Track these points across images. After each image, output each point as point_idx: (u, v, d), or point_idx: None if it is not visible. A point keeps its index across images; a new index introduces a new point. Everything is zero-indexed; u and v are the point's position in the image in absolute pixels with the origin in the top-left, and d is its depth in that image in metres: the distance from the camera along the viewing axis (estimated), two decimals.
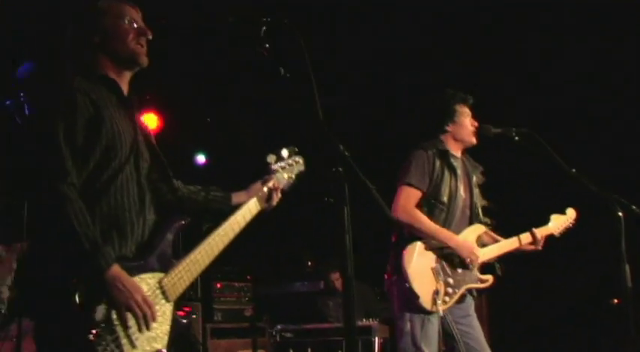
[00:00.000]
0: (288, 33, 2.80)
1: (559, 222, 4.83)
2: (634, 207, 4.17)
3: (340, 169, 2.61)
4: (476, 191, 4.66)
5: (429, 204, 4.41)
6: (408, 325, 4.21)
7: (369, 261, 3.81)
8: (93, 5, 2.82)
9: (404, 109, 7.56)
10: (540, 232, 4.69)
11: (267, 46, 2.80)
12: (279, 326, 7.04)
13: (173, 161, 2.97)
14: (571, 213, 4.92)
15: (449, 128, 4.60)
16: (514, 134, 4.47)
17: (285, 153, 3.34)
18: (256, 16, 2.78)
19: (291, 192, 3.25)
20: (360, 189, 2.68)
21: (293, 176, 3.34)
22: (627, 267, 4.00)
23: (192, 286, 7.98)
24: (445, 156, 4.51)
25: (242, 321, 8.09)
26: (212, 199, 3.08)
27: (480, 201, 4.67)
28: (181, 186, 3.07)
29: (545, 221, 4.81)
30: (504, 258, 4.72)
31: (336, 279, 7.70)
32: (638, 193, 5.90)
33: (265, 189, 3.18)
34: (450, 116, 4.61)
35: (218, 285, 8.15)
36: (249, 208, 3.11)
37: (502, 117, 4.70)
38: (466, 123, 4.60)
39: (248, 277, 8.44)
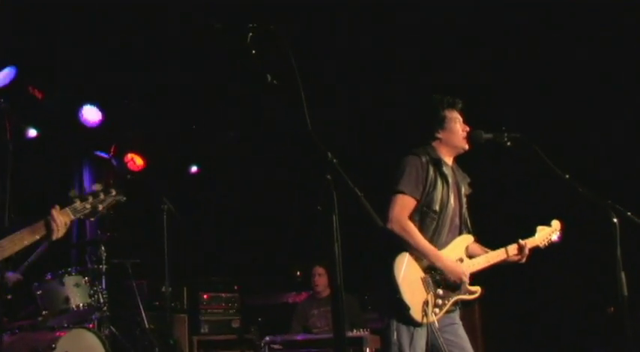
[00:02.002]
0: (275, 40, 2.81)
1: (544, 234, 4.85)
2: (629, 213, 4.17)
3: (329, 177, 2.63)
4: (464, 201, 4.65)
5: (421, 212, 4.40)
6: (395, 335, 4.20)
7: (353, 270, 3.79)
8: None
9: (395, 116, 7.59)
10: (526, 244, 4.69)
11: (254, 52, 2.81)
12: (267, 338, 7.02)
13: (167, 171, 3.02)
14: (556, 225, 4.92)
15: (439, 135, 4.58)
16: (506, 139, 4.45)
17: (96, 187, 3.75)
18: (242, 23, 2.80)
19: (279, 201, 3.28)
20: (349, 196, 2.69)
21: (100, 207, 3.73)
22: (623, 275, 4.01)
23: (178, 297, 8.00)
24: (438, 163, 4.51)
25: (229, 333, 8.09)
26: None
27: (467, 212, 4.67)
28: None
29: (533, 231, 4.83)
30: (497, 267, 4.74)
31: (319, 274, 7.68)
32: (633, 199, 6.00)
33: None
34: (439, 122, 4.59)
35: (205, 296, 8.15)
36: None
37: (494, 122, 4.70)
38: (457, 128, 4.59)
39: (236, 287, 8.44)
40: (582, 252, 7.36)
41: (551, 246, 4.84)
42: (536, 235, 4.80)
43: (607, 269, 4.12)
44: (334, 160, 2.69)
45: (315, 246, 7.61)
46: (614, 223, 4.08)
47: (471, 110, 4.67)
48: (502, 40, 7.31)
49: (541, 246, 4.79)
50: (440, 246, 4.42)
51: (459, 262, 4.44)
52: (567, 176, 4.35)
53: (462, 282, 4.37)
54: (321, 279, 7.71)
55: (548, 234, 4.85)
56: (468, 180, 4.74)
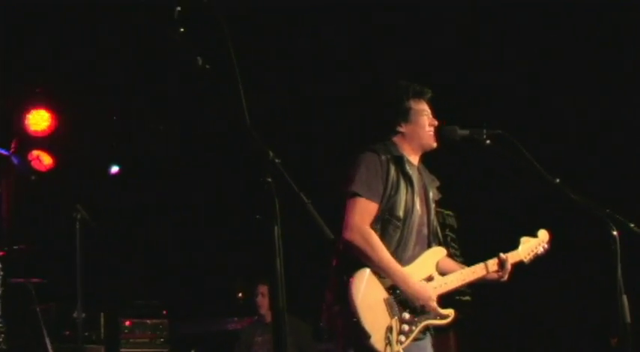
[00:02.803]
0: (209, 16, 2.83)
1: (529, 247, 4.90)
2: (632, 224, 4.25)
3: (269, 180, 2.67)
4: (433, 207, 4.70)
5: (383, 219, 4.42)
6: None
7: (306, 292, 3.84)
8: None
9: (350, 108, 7.65)
10: (508, 258, 4.73)
11: (182, 30, 2.82)
12: None
13: (81, 172, 3.04)
14: (543, 236, 4.98)
15: (402, 129, 4.62)
16: (485, 136, 4.52)
17: None
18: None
19: (213, 208, 3.33)
20: (295, 203, 2.74)
21: None
22: (625, 299, 4.07)
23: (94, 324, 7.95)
24: (400, 162, 4.53)
25: None
26: None
27: (436, 220, 4.73)
28: None
29: (516, 243, 4.88)
30: (476, 286, 4.82)
31: (262, 294, 7.71)
32: (636, 207, 6.15)
33: None
34: (403, 114, 4.63)
35: (127, 323, 8.12)
36: None
37: (472, 119, 4.76)
38: (423, 122, 4.64)
39: (164, 312, 8.41)
40: (577, 269, 7.51)
41: (538, 260, 4.91)
42: (520, 248, 4.85)
43: (607, 291, 4.17)
44: (276, 160, 2.73)
45: (258, 262, 7.64)
46: (614, 236, 4.12)
47: (442, 103, 4.72)
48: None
49: (526, 260, 4.85)
50: (406, 260, 4.45)
51: (425, 282, 4.47)
52: (557, 180, 4.41)
53: (427, 308, 4.40)
54: (265, 300, 7.74)
55: (533, 246, 4.91)
56: (437, 183, 4.81)
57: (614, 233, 4.12)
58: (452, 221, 8.36)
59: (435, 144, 4.67)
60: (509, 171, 6.09)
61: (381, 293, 4.32)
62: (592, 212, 4.25)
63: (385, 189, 4.42)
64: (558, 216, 6.01)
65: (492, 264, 4.68)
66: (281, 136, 6.88)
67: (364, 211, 4.36)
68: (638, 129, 7.49)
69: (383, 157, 4.48)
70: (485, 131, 4.54)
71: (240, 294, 8.97)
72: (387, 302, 4.31)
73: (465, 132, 4.61)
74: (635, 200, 7.02)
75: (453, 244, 8.18)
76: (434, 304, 4.42)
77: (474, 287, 7.59)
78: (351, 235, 4.30)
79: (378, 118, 4.76)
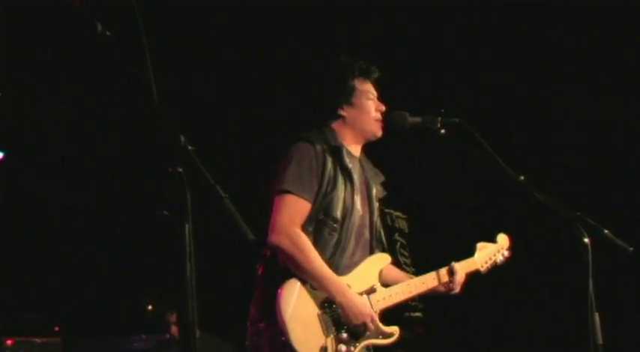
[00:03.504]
0: None
1: (486, 254, 4.97)
2: (606, 231, 4.28)
3: (180, 170, 2.67)
4: (376, 206, 4.74)
5: (317, 220, 4.43)
6: None
7: (223, 304, 3.83)
8: None
9: (283, 87, 7.66)
10: (462, 267, 4.80)
11: None
12: None
13: None
14: (502, 241, 5.06)
15: (343, 112, 4.65)
16: (439, 125, 4.54)
17: None
18: None
19: (115, 203, 3.31)
20: (210, 197, 2.74)
21: None
22: (597, 317, 4.11)
23: None
24: (338, 153, 4.54)
25: None
26: None
27: (380, 222, 4.76)
28: None
29: (471, 250, 4.94)
30: (432, 300, 4.86)
31: (175, 324, 7.70)
32: (611, 209, 6.27)
33: None
34: (345, 95, 4.66)
35: (9, 342, 8.01)
36: None
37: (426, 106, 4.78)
38: (368, 106, 4.66)
39: (56, 329, 8.33)
40: (543, 282, 7.62)
41: (497, 270, 4.99)
42: (476, 255, 4.92)
43: (577, 308, 4.22)
44: (190, 147, 2.72)
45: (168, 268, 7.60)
46: (586, 244, 4.16)
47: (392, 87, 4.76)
48: None
49: (482, 269, 4.92)
50: (344, 269, 4.47)
51: (365, 296, 4.48)
52: (522, 178, 4.45)
53: (369, 329, 4.40)
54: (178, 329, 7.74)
55: (491, 253, 4.99)
56: (382, 178, 4.85)
57: (586, 240, 4.15)
58: (402, 224, 8.42)
59: (380, 133, 4.70)
60: (467, 166, 6.14)
61: (314, 308, 4.33)
62: (560, 215, 4.28)
63: (320, 185, 4.44)
64: (522, 219, 6.10)
65: (444, 273, 4.73)
66: (198, 120, 6.83)
67: (294, 211, 4.36)
68: (614, 125, 7.64)
69: (318, 147, 4.48)
70: (440, 119, 4.56)
71: (150, 307, 8.91)
72: (320, 319, 4.32)
73: (417, 119, 4.63)
74: (609, 202, 7.18)
75: (403, 251, 8.25)
76: (376, 320, 4.43)
77: (427, 302, 7.71)
78: (278, 238, 4.30)
79: (316, 100, 4.79)
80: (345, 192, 4.52)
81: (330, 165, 4.48)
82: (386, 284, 4.61)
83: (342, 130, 4.65)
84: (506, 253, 5.05)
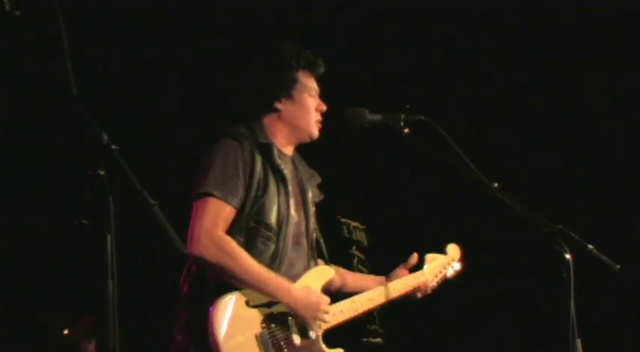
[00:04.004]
0: None
1: (436, 266, 5.05)
2: (590, 246, 4.22)
3: (102, 173, 2.63)
4: (312, 212, 4.74)
5: (248, 229, 4.40)
6: None
7: (150, 327, 3.79)
8: None
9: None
10: (408, 282, 4.88)
11: None
12: None
13: None
14: (453, 252, 5.14)
15: (281, 105, 4.61)
16: (402, 123, 4.51)
17: None
18: None
19: (21, 210, 3.26)
20: (137, 204, 2.70)
21: None
22: (579, 343, 4.05)
23: None
24: (268, 151, 4.52)
25: None
26: None
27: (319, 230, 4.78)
28: None
29: (420, 264, 5.00)
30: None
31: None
32: (594, 222, 6.30)
33: None
34: (286, 87, 4.63)
35: None
36: None
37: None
38: (309, 104, 4.65)
39: None
40: (520, 303, 7.64)
41: (448, 283, 5.07)
42: (425, 268, 4.99)
43: (559, 332, 4.15)
44: (113, 146, 2.68)
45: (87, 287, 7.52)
46: (567, 260, 4.12)
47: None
48: None
49: (430, 285, 5.00)
50: None
51: (316, 292, 4.50)
52: (496, 184, 4.41)
53: (322, 323, 4.46)
54: None
55: (441, 266, 5.06)
56: (318, 179, 4.86)
57: (568, 256, 4.11)
58: (361, 236, 8.41)
59: (316, 136, 4.69)
60: (433, 170, 6.15)
61: (253, 328, 4.30)
62: (539, 227, 4.25)
63: (249, 189, 4.40)
64: (496, 232, 6.11)
65: (394, 288, 4.83)
66: (123, 115, 6.74)
67: (217, 216, 4.30)
68: (598, 130, 7.70)
69: (246, 145, 4.45)
70: (403, 116, 4.53)
71: (65, 331, 8.83)
72: (259, 340, 4.28)
73: (377, 116, 4.61)
74: (594, 214, 7.22)
75: (362, 267, 8.23)
76: (324, 317, 4.46)
77: (389, 326, 7.72)
78: (200, 247, 4.22)
79: (250, 88, 4.75)
80: (278, 196, 4.50)
81: (259, 165, 4.45)
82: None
83: (275, 126, 4.62)
84: (457, 266, 5.13)
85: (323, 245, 4.79)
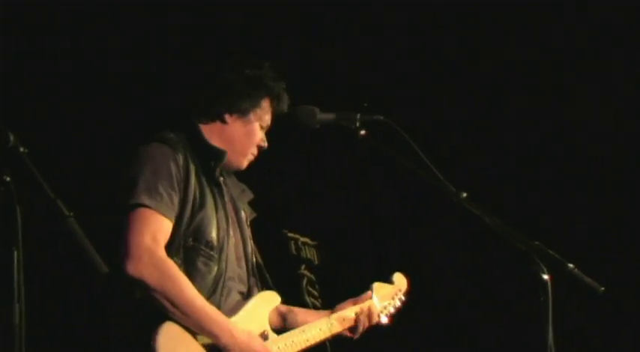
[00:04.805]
0: None
1: (385, 295, 5.13)
2: (571, 265, 4.21)
3: (7, 179, 2.62)
4: (248, 234, 4.79)
5: (186, 248, 4.40)
6: None
7: None
8: None
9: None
10: (356, 311, 4.94)
11: None
12: None
13: None
14: (400, 282, 5.24)
15: (230, 119, 4.67)
16: (358, 124, 4.51)
17: None
18: None
19: None
20: (50, 215, 2.67)
21: None
22: None
23: None
24: (211, 158, 4.59)
25: None
26: None
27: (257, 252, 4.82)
28: None
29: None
30: None
31: None
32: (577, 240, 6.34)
33: None
34: (247, 105, 4.69)
35: None
36: None
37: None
38: (256, 134, 4.72)
39: None
40: (492, 329, 7.66)
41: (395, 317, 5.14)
42: (374, 298, 5.05)
43: None
44: (22, 149, 2.65)
45: None
46: (544, 281, 4.12)
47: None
48: None
49: (382, 314, 5.08)
50: (229, 311, 4.47)
51: (259, 338, 4.50)
52: (464, 195, 4.40)
53: None
54: None
55: (389, 296, 5.17)
56: (250, 196, 4.92)
57: (545, 277, 4.11)
58: (311, 253, 8.36)
59: (243, 168, 4.77)
60: (393, 177, 6.16)
61: None
62: (513, 244, 4.25)
63: (184, 200, 4.41)
64: (464, 249, 6.12)
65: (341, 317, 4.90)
66: (36, 112, 6.68)
67: (158, 231, 4.29)
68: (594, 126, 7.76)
69: (180, 153, 4.47)
70: (359, 116, 4.54)
71: None
72: None
73: (330, 116, 4.63)
74: (575, 230, 7.26)
75: (311, 289, 8.18)
76: None
77: None
78: (140, 267, 4.19)
79: (209, 88, 4.77)
80: (216, 211, 4.53)
81: (193, 176, 4.47)
82: (279, 331, 4.70)
83: (211, 137, 4.66)
84: (403, 298, 5.22)
85: (264, 269, 4.82)
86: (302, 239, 8.16)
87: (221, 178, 4.63)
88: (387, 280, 5.16)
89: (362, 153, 4.65)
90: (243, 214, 4.75)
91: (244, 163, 4.72)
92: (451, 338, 7.39)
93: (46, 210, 2.73)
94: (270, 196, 5.53)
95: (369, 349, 5.16)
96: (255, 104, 4.69)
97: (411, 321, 5.16)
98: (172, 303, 4.22)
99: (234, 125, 4.66)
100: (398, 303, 5.16)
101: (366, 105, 4.62)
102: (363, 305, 4.94)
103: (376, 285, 5.07)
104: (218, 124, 4.66)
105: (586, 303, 4.78)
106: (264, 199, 5.00)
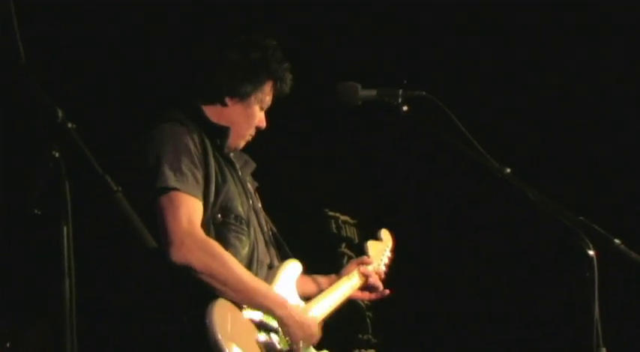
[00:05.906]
0: None
1: (376, 253, 5.33)
2: (617, 240, 4.19)
3: (56, 154, 2.64)
4: (259, 204, 4.87)
5: (216, 225, 4.45)
6: None
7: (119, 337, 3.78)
8: None
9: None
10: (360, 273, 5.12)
11: None
12: None
13: None
14: (387, 238, 5.49)
15: (230, 103, 4.73)
16: (400, 100, 4.50)
17: None
18: None
19: None
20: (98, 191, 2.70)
21: None
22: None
23: None
24: (222, 136, 4.67)
25: None
26: None
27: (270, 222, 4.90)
28: None
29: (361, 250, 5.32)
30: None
31: None
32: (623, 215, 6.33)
33: None
34: (249, 88, 4.74)
35: None
36: None
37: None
38: (255, 116, 4.78)
39: None
40: (536, 305, 7.66)
41: (446, 288, 5.14)
42: (370, 253, 5.27)
43: (582, 339, 4.13)
44: (70, 124, 2.69)
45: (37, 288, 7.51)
46: (590, 257, 4.10)
47: None
48: None
49: (374, 271, 5.22)
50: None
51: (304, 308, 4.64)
52: (508, 170, 4.40)
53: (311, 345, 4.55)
54: None
55: (381, 252, 5.38)
56: (253, 166, 4.98)
57: (591, 253, 4.09)
58: (351, 231, 8.36)
59: (239, 149, 4.83)
60: (436, 153, 6.16)
61: (252, 333, 4.36)
62: (558, 219, 4.23)
63: (208, 176, 4.46)
64: (509, 224, 6.11)
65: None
66: (84, 89, 6.72)
67: (193, 213, 4.33)
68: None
69: (195, 134, 4.53)
70: (401, 92, 4.52)
71: (7, 344, 8.83)
72: (263, 346, 4.36)
73: (372, 92, 4.61)
74: (620, 205, 7.24)
75: None
76: (315, 340, 4.61)
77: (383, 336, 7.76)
78: (184, 252, 4.22)
79: (210, 71, 4.81)
80: (236, 187, 4.62)
81: (210, 152, 4.54)
82: (305, 297, 4.82)
83: (211, 117, 4.73)
84: (390, 254, 5.43)
85: (280, 237, 4.91)
86: (342, 217, 8.17)
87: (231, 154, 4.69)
88: (376, 237, 5.39)
89: (404, 129, 4.59)
90: (249, 186, 4.81)
91: (241, 144, 4.80)
92: (497, 316, 7.44)
93: (95, 186, 2.75)
94: (311, 175, 5.53)
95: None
96: (256, 88, 4.76)
97: (460, 297, 5.13)
98: (223, 283, 4.28)
99: (234, 108, 4.74)
100: (386, 260, 5.36)
101: (405, 82, 4.59)
102: (367, 268, 5.12)
103: (370, 243, 5.30)
104: (218, 106, 4.73)
105: (633, 279, 4.73)
106: (305, 179, 5.02)
